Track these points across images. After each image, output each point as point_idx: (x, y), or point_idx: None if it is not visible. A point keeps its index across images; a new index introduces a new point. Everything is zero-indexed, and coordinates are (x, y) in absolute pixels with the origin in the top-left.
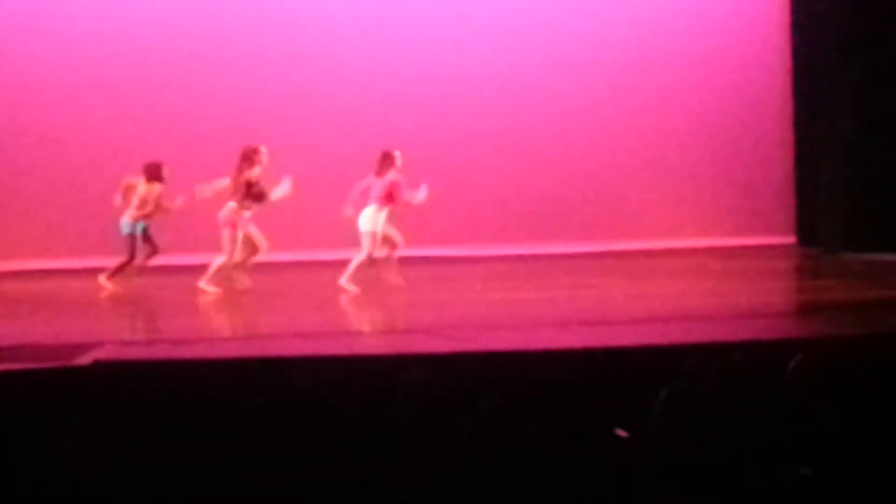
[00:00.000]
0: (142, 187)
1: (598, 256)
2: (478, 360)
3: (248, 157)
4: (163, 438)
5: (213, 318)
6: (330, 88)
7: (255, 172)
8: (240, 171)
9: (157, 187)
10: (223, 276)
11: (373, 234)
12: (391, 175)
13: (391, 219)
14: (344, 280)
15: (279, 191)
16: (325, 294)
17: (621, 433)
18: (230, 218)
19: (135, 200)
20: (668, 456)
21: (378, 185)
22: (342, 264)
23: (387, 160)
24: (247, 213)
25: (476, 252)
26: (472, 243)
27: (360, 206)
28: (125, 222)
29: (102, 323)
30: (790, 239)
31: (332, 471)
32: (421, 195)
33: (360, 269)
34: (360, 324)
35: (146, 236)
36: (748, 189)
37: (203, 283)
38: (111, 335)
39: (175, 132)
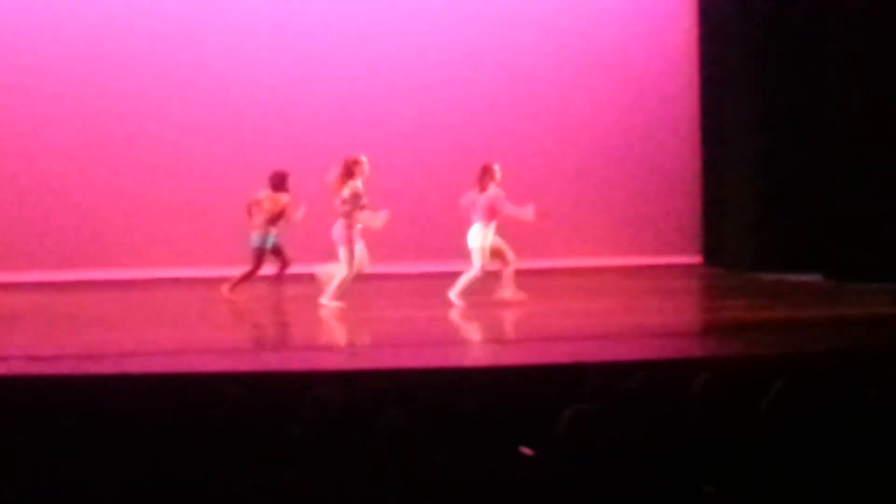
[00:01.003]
0: (269, 200)
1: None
2: (382, 378)
3: (350, 169)
4: (64, 454)
5: (120, 333)
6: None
7: (357, 184)
8: (343, 184)
9: (284, 197)
10: (344, 289)
11: (482, 251)
12: (492, 190)
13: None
14: (454, 294)
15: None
16: (231, 310)
17: (526, 451)
18: (346, 234)
19: (263, 213)
20: (572, 475)
21: (481, 201)
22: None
23: (487, 174)
24: (358, 226)
25: (382, 269)
26: (379, 260)
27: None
28: (256, 235)
29: (7, 337)
30: (696, 259)
31: (234, 488)
32: (529, 213)
33: (471, 286)
34: (266, 340)
35: (276, 249)
36: (655, 208)
37: (326, 300)
38: (16, 350)
39: (153, 139)
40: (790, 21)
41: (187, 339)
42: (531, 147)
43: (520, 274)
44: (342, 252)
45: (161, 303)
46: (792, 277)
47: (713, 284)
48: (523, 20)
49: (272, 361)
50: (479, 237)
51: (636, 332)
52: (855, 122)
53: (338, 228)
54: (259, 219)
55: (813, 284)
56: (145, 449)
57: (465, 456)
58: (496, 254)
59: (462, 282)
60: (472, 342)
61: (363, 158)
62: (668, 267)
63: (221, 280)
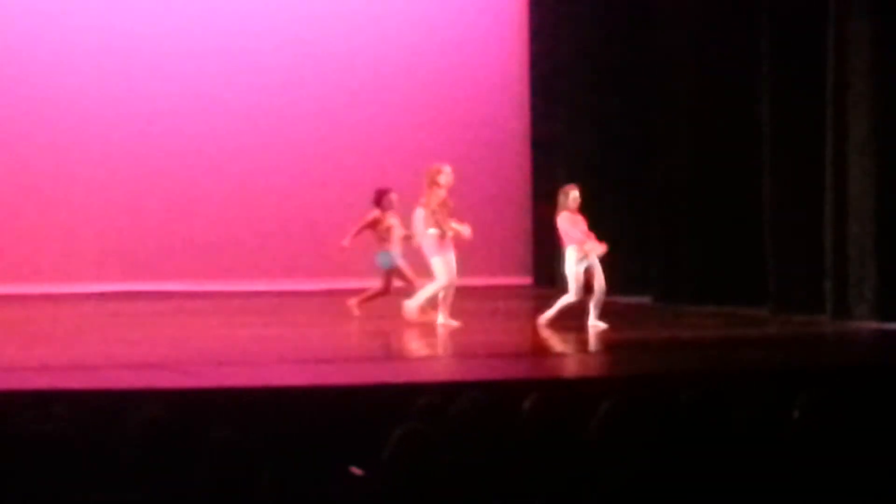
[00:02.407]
0: (391, 219)
1: (331, 294)
2: (211, 396)
3: (434, 179)
4: None
5: None
6: None
7: (442, 194)
8: (431, 194)
9: (374, 213)
10: (448, 303)
11: (576, 275)
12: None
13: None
14: (544, 318)
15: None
16: (65, 328)
17: (356, 471)
18: (438, 245)
19: (391, 233)
20: (401, 495)
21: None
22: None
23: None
24: (450, 233)
25: (213, 287)
26: (210, 279)
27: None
28: (385, 257)
29: None
30: (527, 280)
31: None
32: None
33: (564, 311)
34: (95, 358)
35: (394, 268)
36: (486, 230)
37: (441, 319)
38: None
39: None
40: (617, 46)
41: (9, 357)
42: (360, 171)
43: (348, 294)
44: (437, 263)
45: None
46: (622, 299)
47: (543, 306)
48: (355, 45)
49: (100, 380)
50: (571, 262)
51: (466, 352)
52: (682, 147)
53: (428, 241)
54: (385, 238)
55: (642, 306)
56: None
57: (295, 475)
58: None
59: (557, 307)
60: (301, 361)
61: (447, 168)
62: (499, 288)
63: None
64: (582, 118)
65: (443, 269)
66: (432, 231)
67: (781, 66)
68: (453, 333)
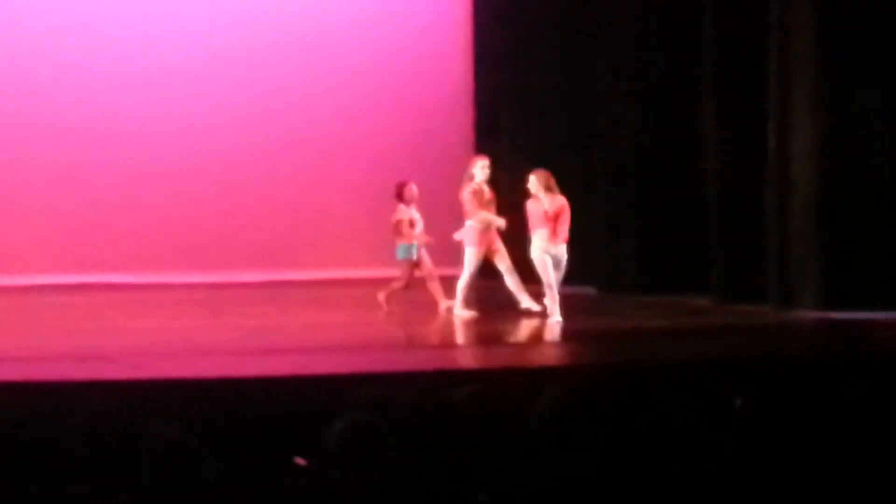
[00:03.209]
0: (406, 212)
1: (276, 286)
2: (151, 388)
3: (470, 172)
4: None
5: None
6: None
7: (476, 186)
8: (468, 186)
9: (411, 207)
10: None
11: (541, 261)
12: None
13: None
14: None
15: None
16: (10, 320)
17: (299, 461)
18: (479, 236)
19: (414, 226)
20: (345, 485)
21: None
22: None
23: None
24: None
25: (154, 279)
26: (151, 270)
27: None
28: (405, 249)
29: None
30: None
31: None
32: None
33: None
34: (38, 350)
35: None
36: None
37: (457, 310)
38: None
39: None
40: (561, 53)
41: None
42: (316, 162)
43: (294, 285)
44: (469, 253)
45: None
46: (565, 289)
47: (484, 297)
48: (306, 43)
49: (42, 371)
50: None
51: (407, 343)
52: (626, 136)
53: (467, 231)
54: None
55: (586, 296)
56: None
57: (236, 466)
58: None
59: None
60: (245, 352)
61: (480, 161)
62: (443, 278)
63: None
64: (526, 111)
65: (472, 260)
66: (472, 223)
67: (724, 60)
68: (402, 323)
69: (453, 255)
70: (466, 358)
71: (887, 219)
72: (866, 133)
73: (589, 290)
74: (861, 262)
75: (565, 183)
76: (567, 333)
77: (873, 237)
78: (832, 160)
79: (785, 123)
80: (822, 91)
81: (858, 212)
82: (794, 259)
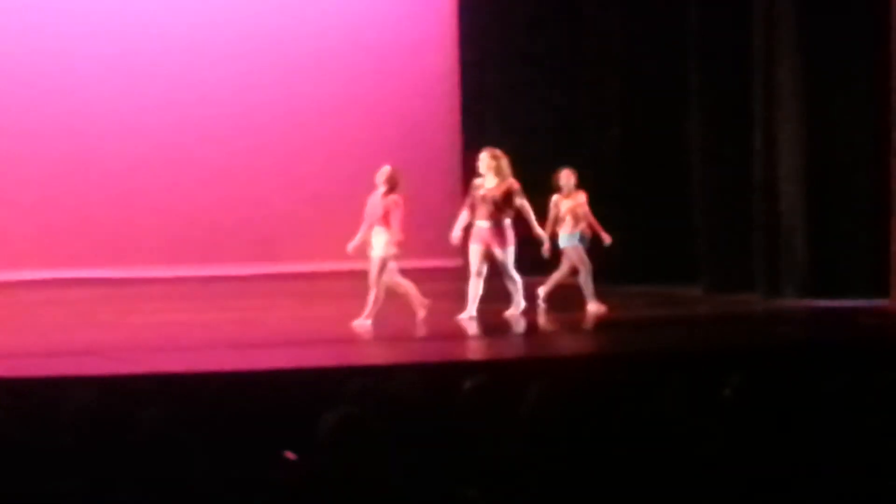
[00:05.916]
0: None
1: (266, 279)
2: (141, 382)
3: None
4: None
5: None
6: None
7: (477, 181)
8: (474, 183)
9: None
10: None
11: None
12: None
13: None
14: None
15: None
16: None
17: (289, 455)
18: (473, 235)
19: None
20: (335, 478)
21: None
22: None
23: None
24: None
25: (143, 274)
26: (140, 265)
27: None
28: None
29: None
30: (458, 262)
31: None
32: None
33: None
34: (28, 345)
35: None
36: (417, 212)
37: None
38: None
39: None
40: (546, 44)
41: None
42: (301, 155)
43: (289, 278)
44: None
45: None
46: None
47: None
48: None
49: (32, 367)
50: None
51: (400, 335)
52: (613, 125)
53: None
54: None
55: (574, 287)
56: None
57: (227, 460)
58: None
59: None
60: (231, 345)
61: (481, 154)
62: (431, 270)
63: None
64: (512, 98)
65: (510, 258)
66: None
67: (709, 52)
68: (387, 316)
69: (444, 250)
70: (458, 349)
71: (870, 209)
72: (850, 128)
73: (576, 281)
74: (846, 251)
75: (551, 174)
76: (556, 324)
77: (857, 227)
78: (818, 149)
79: (771, 114)
80: (807, 81)
81: (843, 202)
82: (781, 248)
